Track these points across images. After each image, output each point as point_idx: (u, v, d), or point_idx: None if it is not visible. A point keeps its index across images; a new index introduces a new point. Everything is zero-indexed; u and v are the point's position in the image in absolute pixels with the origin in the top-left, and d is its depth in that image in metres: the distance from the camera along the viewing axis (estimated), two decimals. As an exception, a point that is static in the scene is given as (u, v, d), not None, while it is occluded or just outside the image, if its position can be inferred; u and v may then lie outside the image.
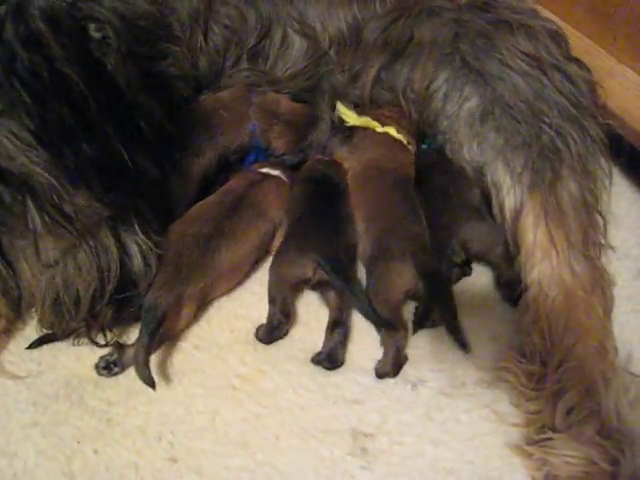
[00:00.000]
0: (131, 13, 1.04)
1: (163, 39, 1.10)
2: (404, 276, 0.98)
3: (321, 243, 1.01)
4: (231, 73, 1.20)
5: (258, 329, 1.01)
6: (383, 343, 0.99)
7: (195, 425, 0.92)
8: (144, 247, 0.93)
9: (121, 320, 0.98)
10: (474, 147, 1.11)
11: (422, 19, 1.18)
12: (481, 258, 1.10)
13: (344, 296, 1.00)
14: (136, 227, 0.92)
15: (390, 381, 0.97)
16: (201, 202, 1.09)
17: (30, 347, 0.98)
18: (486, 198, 1.11)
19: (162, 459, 0.88)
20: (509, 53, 1.11)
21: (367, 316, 1.00)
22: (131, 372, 0.97)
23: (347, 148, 1.17)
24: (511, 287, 1.04)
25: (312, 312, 1.05)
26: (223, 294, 1.07)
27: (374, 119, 1.18)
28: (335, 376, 0.97)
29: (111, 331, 0.99)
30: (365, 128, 1.18)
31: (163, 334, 0.95)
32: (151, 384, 0.90)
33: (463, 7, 1.18)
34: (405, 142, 1.17)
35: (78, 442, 0.90)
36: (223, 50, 1.18)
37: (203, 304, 1.03)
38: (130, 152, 0.88)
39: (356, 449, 0.89)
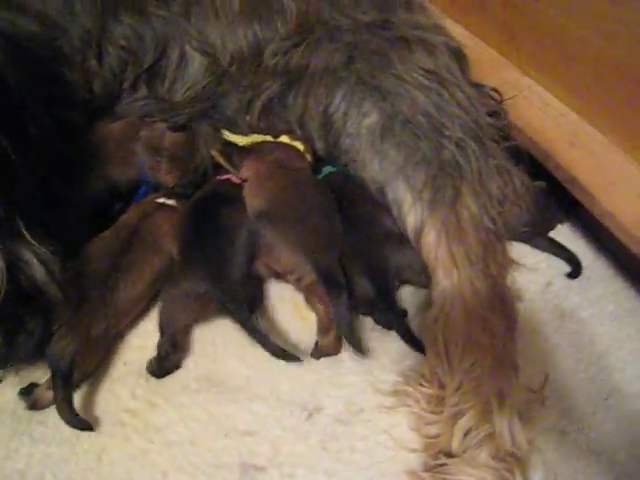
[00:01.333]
0: (14, 33, 1.00)
1: (53, 63, 1.06)
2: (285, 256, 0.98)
3: (211, 271, 0.96)
4: (128, 101, 1.16)
5: (149, 363, 0.96)
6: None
7: (79, 465, 0.88)
8: (41, 254, 0.86)
9: (13, 350, 0.90)
10: (375, 165, 1.07)
11: (320, 45, 1.15)
12: (413, 284, 1.08)
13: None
14: (26, 235, 0.85)
15: (285, 409, 0.93)
16: (96, 238, 1.04)
17: None
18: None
19: (41, 503, 0.84)
20: (405, 68, 1.08)
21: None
22: (17, 411, 0.93)
23: (248, 160, 1.13)
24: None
25: (208, 338, 1.01)
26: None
27: (264, 135, 1.17)
28: (229, 405, 0.93)
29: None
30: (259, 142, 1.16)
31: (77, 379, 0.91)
32: (89, 428, 0.88)
33: (362, 26, 1.16)
34: (302, 149, 1.15)
35: (-49, 492, 0.85)
36: (119, 72, 1.14)
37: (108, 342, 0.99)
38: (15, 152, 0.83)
39: (245, 484, 0.86)
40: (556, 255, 1.14)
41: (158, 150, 1.15)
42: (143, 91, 1.16)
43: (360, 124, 1.10)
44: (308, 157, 1.16)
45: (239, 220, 1.04)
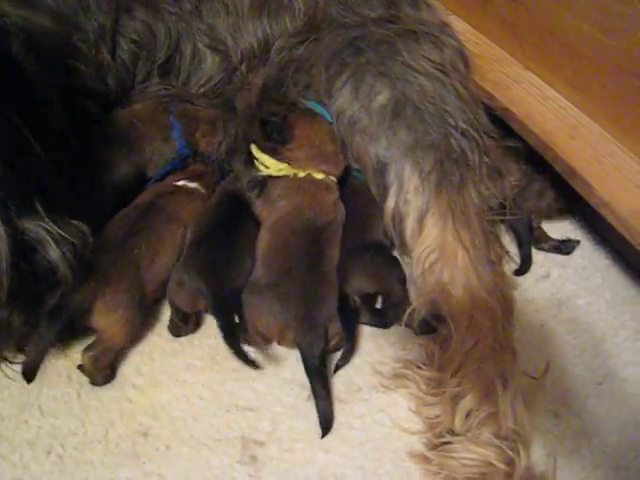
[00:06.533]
0: (32, 29, 1.04)
1: (67, 56, 1.10)
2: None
3: (215, 273, 0.98)
4: (142, 88, 1.20)
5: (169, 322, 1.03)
6: None
7: (87, 437, 0.91)
8: (55, 234, 0.87)
9: (36, 331, 0.91)
10: (383, 142, 1.08)
11: (326, 38, 1.18)
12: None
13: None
14: (42, 214, 0.86)
15: (285, 387, 0.96)
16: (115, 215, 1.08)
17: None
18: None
19: (49, 473, 0.87)
20: (412, 56, 1.11)
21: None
22: (24, 385, 0.95)
23: (262, 201, 1.10)
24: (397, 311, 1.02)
25: (211, 318, 1.01)
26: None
27: (290, 164, 1.11)
28: (230, 383, 0.97)
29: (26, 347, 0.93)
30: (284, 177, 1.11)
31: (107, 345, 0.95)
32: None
33: (369, 21, 1.19)
34: (329, 181, 1.12)
35: (-37, 459, 0.88)
36: (132, 65, 1.18)
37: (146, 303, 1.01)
38: (34, 136, 0.86)
39: (245, 457, 0.88)
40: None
41: (195, 117, 1.20)
42: (156, 81, 1.20)
43: (372, 100, 1.11)
44: (334, 185, 1.12)
45: (254, 233, 1.06)
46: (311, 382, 0.91)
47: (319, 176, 1.11)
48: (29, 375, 0.89)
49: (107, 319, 0.94)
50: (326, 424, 0.91)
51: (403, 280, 1.03)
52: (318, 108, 1.20)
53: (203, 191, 1.15)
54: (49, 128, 0.95)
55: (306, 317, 0.92)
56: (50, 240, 0.87)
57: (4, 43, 0.89)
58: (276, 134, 1.20)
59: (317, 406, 0.91)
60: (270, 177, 1.12)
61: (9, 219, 0.82)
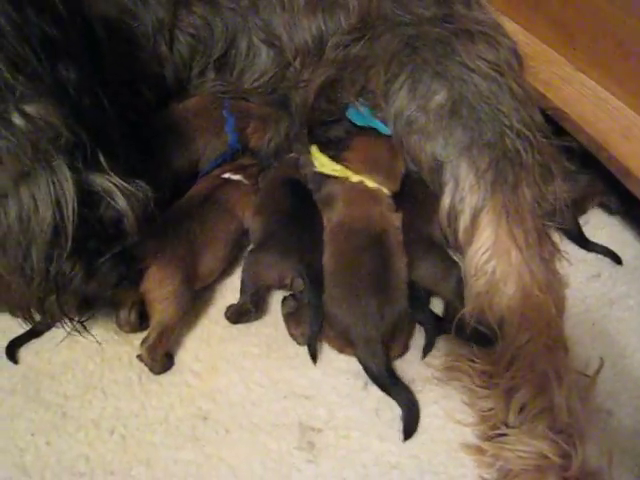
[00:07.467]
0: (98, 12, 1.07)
1: (130, 43, 1.13)
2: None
3: (303, 250, 1.03)
4: (198, 83, 1.23)
5: (228, 309, 1.04)
6: None
7: (148, 419, 0.94)
8: (121, 187, 0.86)
9: (97, 287, 0.88)
10: (440, 141, 1.11)
11: (381, 37, 1.20)
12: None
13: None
14: (107, 169, 0.85)
15: (341, 377, 0.98)
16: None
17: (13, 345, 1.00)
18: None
19: (113, 451, 0.90)
20: (469, 56, 1.12)
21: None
22: (89, 367, 1.00)
23: (320, 201, 1.14)
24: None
25: (269, 307, 1.07)
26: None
27: (346, 166, 1.14)
28: (287, 371, 0.99)
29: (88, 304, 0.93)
30: (336, 178, 1.13)
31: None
32: None
33: (424, 20, 1.20)
34: (380, 192, 1.12)
35: (32, 435, 0.91)
36: (189, 59, 1.21)
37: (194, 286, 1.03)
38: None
39: (303, 443, 0.91)
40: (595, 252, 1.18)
41: (247, 112, 1.23)
42: (212, 75, 1.23)
43: (429, 100, 1.13)
44: (387, 194, 1.13)
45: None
46: (388, 394, 0.94)
47: (372, 185, 1.12)
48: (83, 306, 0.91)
49: (159, 289, 0.97)
50: (410, 428, 0.92)
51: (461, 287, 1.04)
52: (379, 126, 1.21)
53: (247, 182, 1.18)
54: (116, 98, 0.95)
55: (370, 340, 0.94)
56: (117, 190, 0.87)
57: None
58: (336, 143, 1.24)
59: (403, 413, 0.93)
60: (325, 178, 1.14)
61: (76, 167, 0.81)
